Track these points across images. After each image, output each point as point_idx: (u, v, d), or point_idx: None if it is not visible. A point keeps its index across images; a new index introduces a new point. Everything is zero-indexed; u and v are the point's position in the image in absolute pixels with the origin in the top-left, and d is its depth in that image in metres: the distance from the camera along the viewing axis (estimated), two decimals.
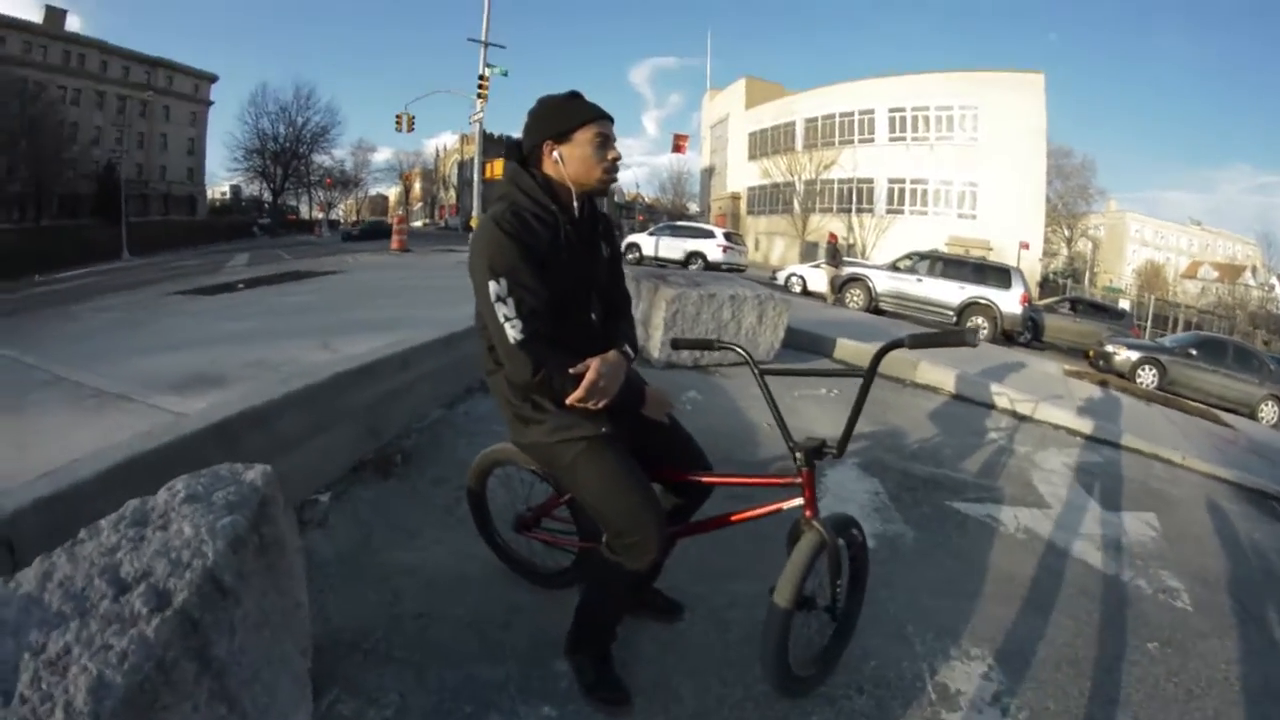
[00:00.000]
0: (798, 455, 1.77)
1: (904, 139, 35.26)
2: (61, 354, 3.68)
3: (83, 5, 79.71)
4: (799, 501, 1.79)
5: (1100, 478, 4.63)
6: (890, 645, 2.29)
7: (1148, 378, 12.60)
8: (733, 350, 1.94)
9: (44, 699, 0.89)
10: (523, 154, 1.74)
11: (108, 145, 43.86)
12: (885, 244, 33.09)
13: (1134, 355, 12.95)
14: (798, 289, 18.13)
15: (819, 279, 17.64)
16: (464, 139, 71.69)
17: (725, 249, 19.56)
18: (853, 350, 7.02)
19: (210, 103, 56.36)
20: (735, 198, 46.51)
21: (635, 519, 1.67)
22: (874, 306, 14.78)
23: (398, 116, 20.87)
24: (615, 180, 1.79)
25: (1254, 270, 55.99)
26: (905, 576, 2.77)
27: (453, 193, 77.21)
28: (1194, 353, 12.96)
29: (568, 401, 1.62)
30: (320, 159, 58.13)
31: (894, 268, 15.43)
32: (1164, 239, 65.58)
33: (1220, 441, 6.71)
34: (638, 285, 5.78)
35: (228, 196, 67.32)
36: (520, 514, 2.20)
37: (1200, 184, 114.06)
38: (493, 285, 1.55)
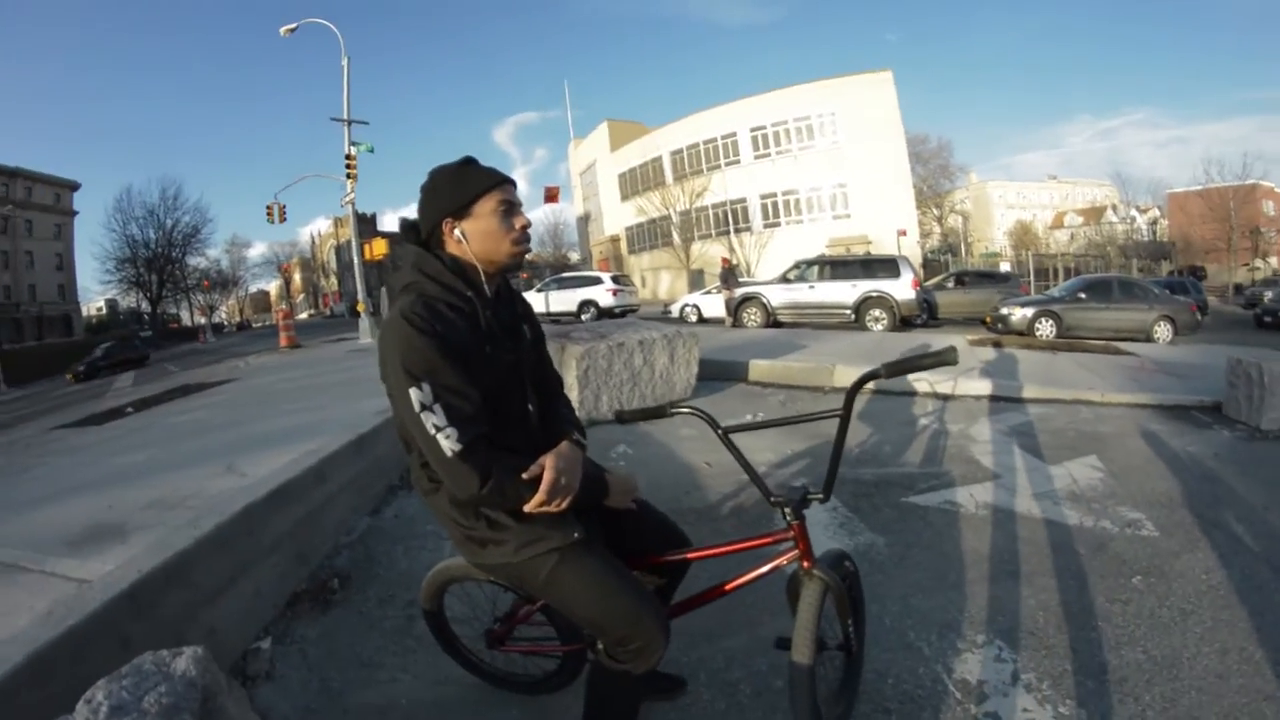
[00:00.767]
0: (786, 511, 1.65)
1: (769, 154, 36.84)
2: None
3: None
4: (794, 554, 1.67)
5: (1035, 435, 4.83)
6: (900, 657, 2.25)
7: (1046, 329, 13.51)
8: (692, 414, 1.78)
9: None
10: (421, 236, 1.54)
11: None
12: (768, 259, 34.33)
13: (1029, 312, 13.85)
14: (694, 318, 18.49)
15: (714, 305, 18.03)
16: (338, 222, 70.15)
17: (615, 292, 19.83)
18: (766, 369, 7.14)
19: (74, 213, 53.50)
20: (615, 240, 47.29)
21: (635, 622, 1.49)
22: (772, 321, 15.16)
23: (268, 207, 19.96)
24: (528, 250, 1.58)
25: (1114, 208, 62.01)
26: (890, 585, 2.74)
27: (334, 279, 75.23)
28: (1083, 296, 14.04)
29: (527, 509, 1.42)
30: (195, 261, 56.10)
31: (785, 280, 15.90)
32: (1027, 198, 71.68)
33: (1129, 371, 7.16)
34: None
35: (104, 312, 63.79)
36: (489, 629, 1.98)
37: (1050, 141, 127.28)
38: (414, 393, 1.33)
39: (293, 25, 18.30)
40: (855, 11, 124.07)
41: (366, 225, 55.46)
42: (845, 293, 14.85)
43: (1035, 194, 71.90)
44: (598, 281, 20.63)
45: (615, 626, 1.50)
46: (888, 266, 15.01)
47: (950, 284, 18.75)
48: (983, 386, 6.12)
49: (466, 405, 1.36)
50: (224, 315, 65.29)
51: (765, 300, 15.38)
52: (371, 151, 17.47)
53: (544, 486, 1.38)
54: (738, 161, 37.98)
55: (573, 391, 5.32)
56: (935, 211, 52.10)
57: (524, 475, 1.39)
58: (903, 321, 14.45)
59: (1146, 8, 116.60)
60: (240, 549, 2.57)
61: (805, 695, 1.53)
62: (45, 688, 1.68)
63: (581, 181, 53.95)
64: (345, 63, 17.43)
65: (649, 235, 43.72)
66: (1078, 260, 36.61)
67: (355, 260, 17.40)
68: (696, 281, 35.38)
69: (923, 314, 15.24)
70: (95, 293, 58.10)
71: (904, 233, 31.88)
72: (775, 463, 4.24)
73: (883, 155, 33.27)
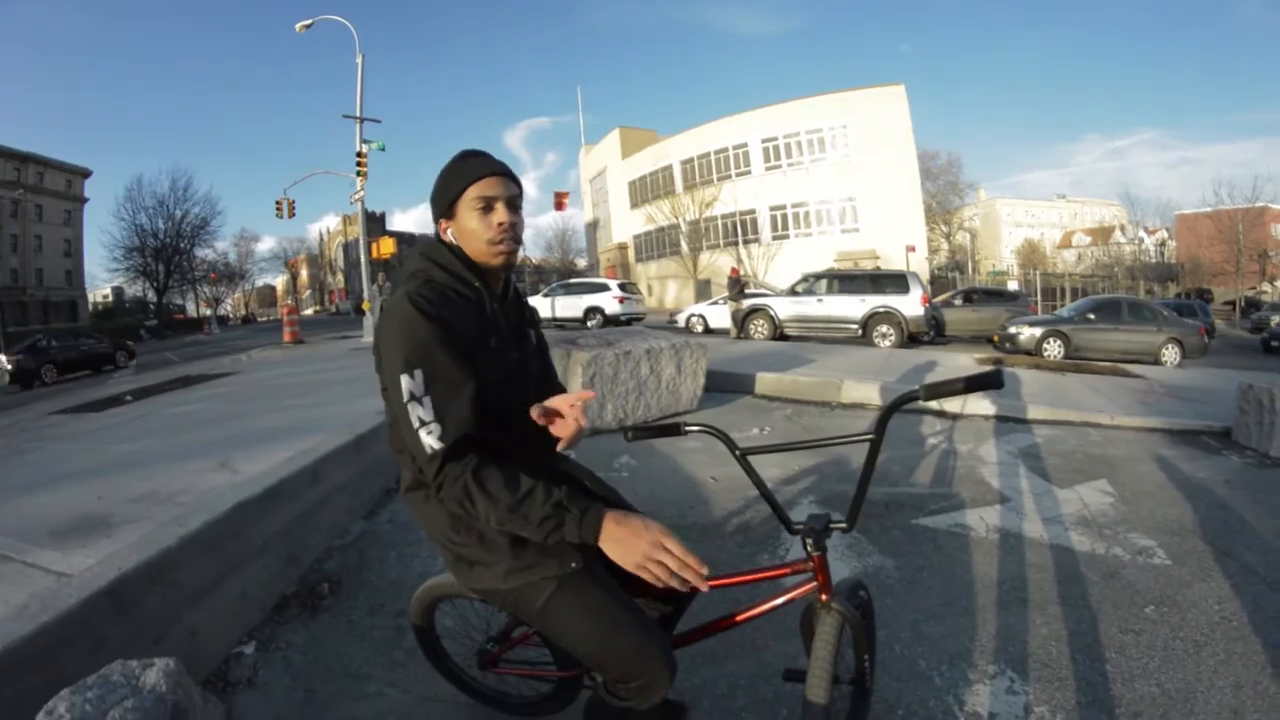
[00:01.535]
0: (807, 542, 1.53)
1: (780, 166, 36.83)
2: None
3: None
4: (812, 586, 1.55)
5: (1045, 457, 4.74)
6: (910, 687, 2.18)
7: (1054, 349, 13.40)
8: (709, 433, 1.67)
9: None
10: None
11: None
12: (775, 270, 34.29)
13: (1037, 331, 13.74)
14: (700, 328, 18.39)
15: (720, 316, 17.91)
16: (346, 219, 70.37)
17: (622, 300, 19.69)
18: (773, 382, 7.06)
19: (85, 200, 53.55)
20: (623, 247, 47.29)
21: (639, 658, 1.38)
22: (779, 333, 15.07)
23: (278, 202, 20.02)
24: (510, 250, 1.41)
25: (1122, 228, 61.94)
26: (900, 610, 2.66)
27: (340, 276, 75.40)
28: (1091, 316, 13.92)
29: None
30: (203, 253, 56.34)
31: (793, 292, 15.81)
32: (1035, 216, 71.59)
33: (1138, 394, 7.07)
34: None
35: (110, 299, 64.12)
36: (482, 649, 1.87)
37: (1059, 159, 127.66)
38: (405, 380, 1.22)
39: (308, 21, 18.36)
40: (870, 22, 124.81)
41: (375, 224, 55.51)
42: (853, 307, 14.75)
43: (1044, 213, 71.87)
44: (605, 288, 20.51)
45: (617, 663, 1.40)
46: (896, 282, 14.91)
47: (958, 301, 18.61)
48: (992, 406, 6.03)
49: (458, 401, 1.25)
50: (229, 308, 65.49)
51: (773, 312, 15.30)
52: (383, 150, 17.52)
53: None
54: (748, 172, 37.96)
55: None
56: (944, 228, 52.02)
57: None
58: (910, 338, 14.35)
59: (1161, 26, 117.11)
60: (228, 549, 2.50)
61: None
62: (14, 686, 1.61)
63: (591, 188, 54.00)
64: (360, 60, 17.49)
65: (657, 244, 43.72)
66: (1085, 281, 36.49)
67: (363, 258, 17.40)
68: (703, 291, 35.30)
69: (930, 331, 15.13)
70: (102, 280, 58.53)
71: (913, 248, 31.78)
72: (782, 479, 4.16)
73: (893, 170, 33.20)
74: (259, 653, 2.34)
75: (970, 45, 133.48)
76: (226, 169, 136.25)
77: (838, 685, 1.64)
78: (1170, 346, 13.33)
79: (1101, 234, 64.80)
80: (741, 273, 22.67)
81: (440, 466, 1.23)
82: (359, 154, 16.96)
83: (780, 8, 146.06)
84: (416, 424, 1.23)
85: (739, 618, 1.58)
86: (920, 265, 31.46)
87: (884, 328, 14.40)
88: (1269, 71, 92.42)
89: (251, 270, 68.28)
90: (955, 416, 5.91)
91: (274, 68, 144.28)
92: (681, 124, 43.75)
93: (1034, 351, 13.17)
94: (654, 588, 1.55)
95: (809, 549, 1.50)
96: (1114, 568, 3.01)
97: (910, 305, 14.38)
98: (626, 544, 1.21)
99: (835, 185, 34.91)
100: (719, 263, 35.80)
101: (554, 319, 19.60)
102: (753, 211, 37.70)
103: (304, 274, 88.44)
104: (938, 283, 35.10)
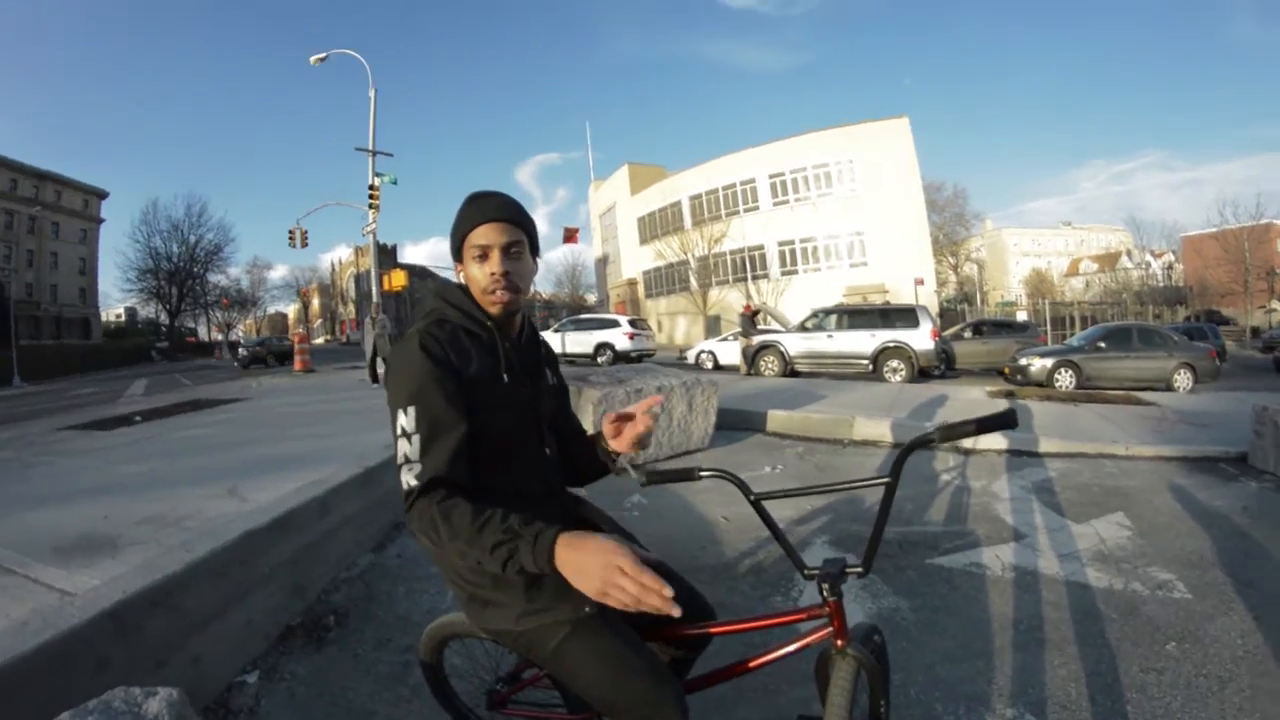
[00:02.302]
0: (823, 587, 1.49)
1: (787, 201, 37.05)
2: None
3: None
4: (828, 632, 1.51)
5: (1059, 491, 4.67)
6: None
7: (1066, 380, 13.30)
8: (723, 478, 1.64)
9: None
10: None
11: None
12: (784, 306, 34.14)
13: (1048, 362, 13.64)
14: (709, 365, 18.37)
15: (730, 352, 17.90)
16: (358, 250, 71.18)
17: (632, 336, 19.77)
18: (784, 420, 7.02)
19: (101, 220, 54.51)
20: (632, 283, 47.43)
21: (652, 703, 1.35)
22: (789, 370, 15.04)
23: (290, 231, 20.36)
24: (504, 300, 1.42)
25: (1129, 253, 61.71)
26: (915, 653, 2.59)
27: (352, 306, 76.06)
28: (1102, 345, 13.81)
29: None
30: (216, 278, 57.07)
31: (803, 328, 15.81)
32: (1041, 245, 71.69)
33: (1151, 422, 6.97)
34: None
35: (123, 319, 64.95)
36: (491, 689, 1.82)
37: (1063, 187, 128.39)
38: (400, 416, 1.26)
39: (322, 55, 18.79)
40: (877, 56, 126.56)
41: (387, 256, 56.21)
42: (864, 342, 14.73)
43: (1050, 241, 72.03)
44: (615, 324, 20.61)
45: (629, 708, 1.36)
46: (906, 316, 14.90)
47: (968, 334, 18.53)
48: (1004, 440, 5.96)
49: (441, 444, 1.26)
50: (240, 334, 66.10)
51: (783, 349, 15.27)
52: (395, 183, 17.76)
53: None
54: (756, 207, 38.19)
55: None
56: (951, 260, 52.08)
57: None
58: (921, 372, 14.28)
59: (1160, 44, 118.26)
60: (235, 578, 2.48)
61: None
62: (10, 702, 1.59)
63: (601, 223, 54.41)
64: (372, 94, 17.88)
65: (666, 279, 43.85)
66: (1094, 308, 36.31)
67: (373, 290, 17.54)
68: (713, 328, 35.30)
69: (941, 365, 15.06)
70: (116, 300, 58.98)
71: (921, 281, 31.76)
72: (795, 519, 4.11)
73: (900, 203, 33.32)
74: (262, 682, 2.31)
75: (971, 75, 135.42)
76: (241, 196, 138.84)
77: None
78: (1182, 371, 13.25)
79: (1108, 260, 64.82)
80: (755, 304, 22.72)
81: (412, 503, 1.24)
82: (371, 187, 17.22)
83: (785, 44, 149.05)
84: (401, 460, 1.26)
85: (752, 663, 1.54)
86: (929, 298, 31.42)
87: (894, 363, 14.37)
88: (1270, 85, 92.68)
89: (264, 297, 69.21)
90: (968, 452, 5.84)
91: (291, 97, 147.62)
92: (689, 159, 44.36)
93: (1045, 382, 13.07)
94: (668, 632, 1.53)
95: (825, 594, 1.47)
96: (1133, 604, 2.95)
97: (920, 339, 14.35)
98: (583, 573, 1.12)
99: (842, 220, 35.05)
100: (729, 299, 35.86)
101: (564, 354, 19.66)
102: (761, 247, 37.85)
103: (315, 303, 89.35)
104: (946, 315, 35.03)
